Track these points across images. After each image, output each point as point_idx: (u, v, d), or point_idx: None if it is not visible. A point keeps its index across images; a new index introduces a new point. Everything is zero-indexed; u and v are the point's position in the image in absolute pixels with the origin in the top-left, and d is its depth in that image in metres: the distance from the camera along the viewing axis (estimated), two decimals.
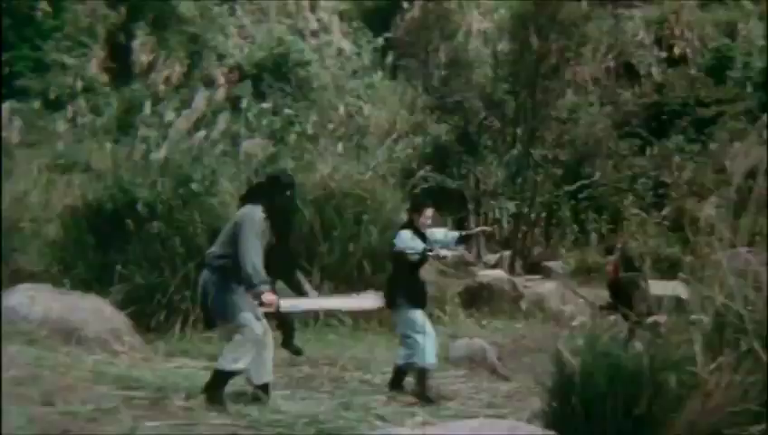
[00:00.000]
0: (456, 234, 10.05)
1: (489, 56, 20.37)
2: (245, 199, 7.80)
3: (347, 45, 25.98)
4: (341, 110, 21.26)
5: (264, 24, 25.54)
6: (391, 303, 9.26)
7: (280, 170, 9.78)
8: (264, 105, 21.46)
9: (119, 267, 12.55)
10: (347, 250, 13.89)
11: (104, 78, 21.74)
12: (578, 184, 16.48)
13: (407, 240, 9.40)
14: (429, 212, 9.63)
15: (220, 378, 7.54)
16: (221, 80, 23.40)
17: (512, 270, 17.93)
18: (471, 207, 19.27)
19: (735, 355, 5.59)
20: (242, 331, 7.46)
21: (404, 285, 9.36)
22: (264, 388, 7.82)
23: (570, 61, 16.28)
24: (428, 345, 9.32)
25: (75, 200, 13.76)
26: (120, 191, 13.36)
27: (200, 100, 15.94)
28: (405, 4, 25.68)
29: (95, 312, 10.55)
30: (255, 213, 7.46)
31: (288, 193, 7.77)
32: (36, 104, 19.06)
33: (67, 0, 20.83)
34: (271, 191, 7.66)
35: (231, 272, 7.39)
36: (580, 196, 18.03)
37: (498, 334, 14.35)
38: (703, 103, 23.08)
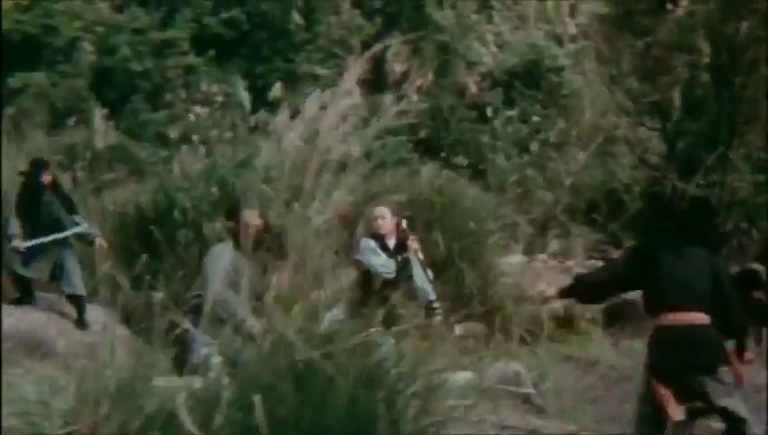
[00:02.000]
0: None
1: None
2: None
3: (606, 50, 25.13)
4: (588, 115, 20.58)
5: (521, 31, 25.22)
6: None
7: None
8: (510, 113, 21.20)
9: (148, 277, 11.40)
10: None
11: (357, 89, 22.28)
12: None
13: (367, 252, 7.56)
14: (381, 211, 7.61)
15: None
16: (472, 88, 23.34)
17: None
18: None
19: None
20: None
21: None
22: None
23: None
24: None
25: (127, 206, 13.00)
26: (165, 196, 12.51)
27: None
28: (669, 6, 24.45)
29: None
30: None
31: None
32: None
33: (320, 12, 21.43)
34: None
35: None
36: None
37: (626, 357, 12.25)
38: None
